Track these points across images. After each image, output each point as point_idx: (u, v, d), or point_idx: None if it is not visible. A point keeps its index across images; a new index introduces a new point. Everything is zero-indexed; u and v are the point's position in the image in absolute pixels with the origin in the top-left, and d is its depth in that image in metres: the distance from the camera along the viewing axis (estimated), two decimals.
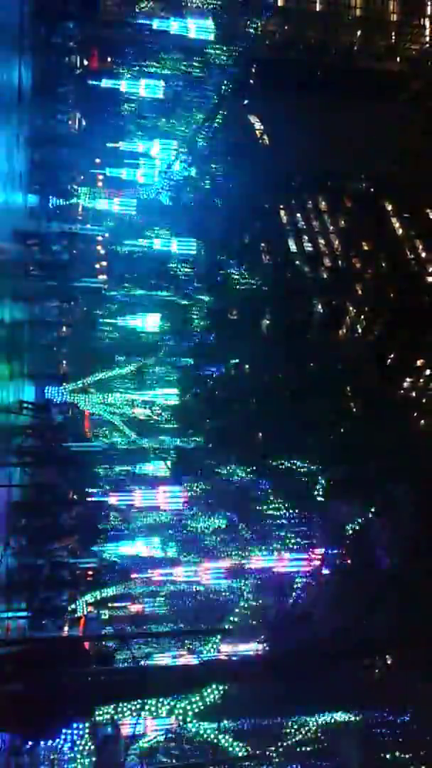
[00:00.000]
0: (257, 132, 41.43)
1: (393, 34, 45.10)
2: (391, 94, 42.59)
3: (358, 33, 44.48)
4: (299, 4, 43.65)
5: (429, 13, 45.08)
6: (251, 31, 38.91)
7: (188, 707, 18.34)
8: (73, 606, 25.31)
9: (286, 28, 43.11)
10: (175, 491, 31.14)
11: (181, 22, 36.54)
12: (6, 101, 22.76)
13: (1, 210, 21.26)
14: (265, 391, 35.79)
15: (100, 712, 14.34)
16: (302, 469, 32.85)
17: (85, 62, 36.02)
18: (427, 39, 45.21)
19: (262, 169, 38.85)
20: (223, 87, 37.76)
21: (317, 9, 44.05)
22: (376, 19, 44.56)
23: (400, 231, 43.51)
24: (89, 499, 29.30)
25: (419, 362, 41.26)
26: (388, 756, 25.30)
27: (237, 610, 27.76)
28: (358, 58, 43.91)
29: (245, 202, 38.54)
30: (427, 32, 45.21)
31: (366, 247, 42.70)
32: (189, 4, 37.97)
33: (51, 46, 32.69)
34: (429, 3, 44.99)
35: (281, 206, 42.33)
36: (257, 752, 22.28)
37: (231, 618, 27.16)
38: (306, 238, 42.24)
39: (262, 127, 41.47)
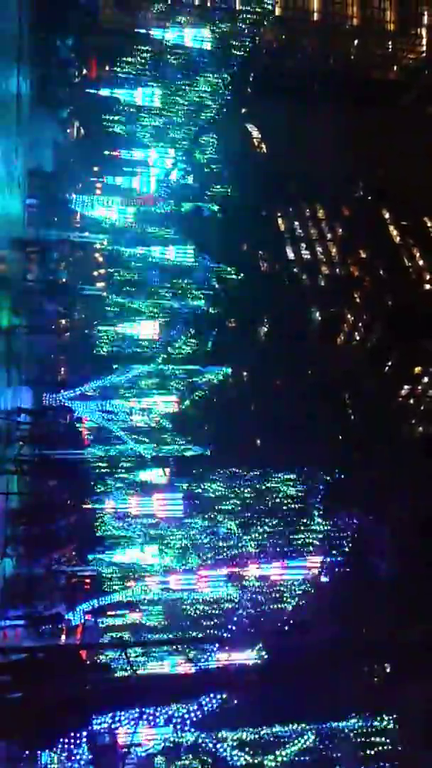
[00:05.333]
0: (255, 140, 41.57)
1: (390, 43, 45.36)
2: (389, 102, 42.81)
3: (356, 42, 44.72)
4: (297, 13, 43.89)
5: (425, 22, 45.37)
6: (249, 39, 39.08)
7: (186, 716, 18.25)
8: (70, 614, 25.22)
9: (283, 36, 43.31)
10: (173, 498, 31.10)
11: (180, 31, 36.69)
12: (5, 109, 22.85)
13: (0, 218, 21.32)
14: (263, 399, 35.80)
15: (98, 721, 14.28)
16: (300, 476, 32.84)
17: (84, 71, 36.12)
18: (424, 48, 45.47)
19: (260, 177, 38.96)
20: (221, 95, 37.90)
21: (315, 18, 44.29)
22: (374, 28, 44.81)
23: (398, 239, 43.64)
24: (87, 506, 29.23)
25: (417, 370, 41.32)
26: (386, 764, 25.19)
27: (235, 618, 27.71)
28: (356, 67, 44.14)
29: (243, 209, 38.63)
30: (424, 41, 45.48)
31: (364, 255, 42.80)
32: (187, 13, 38.15)
33: (50, 55, 32.83)
34: (425, 12, 45.29)
35: (279, 214, 42.44)
36: (255, 761, 22.18)
37: (229, 626, 27.10)
38: (304, 245, 42.33)
39: (259, 135, 41.62)
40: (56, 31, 32.84)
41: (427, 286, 43.03)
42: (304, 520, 31.73)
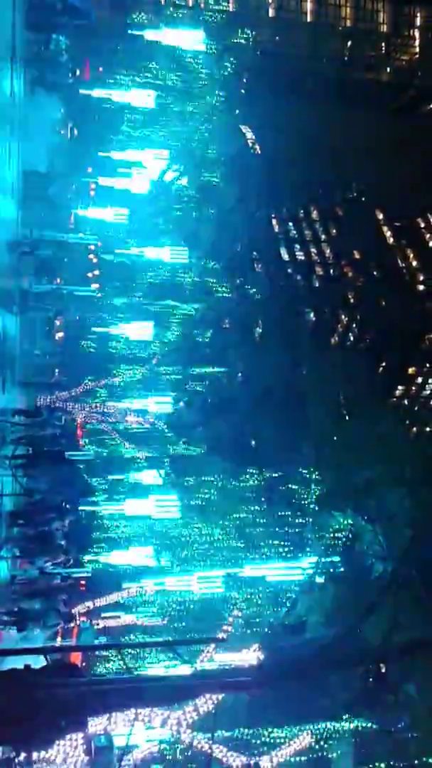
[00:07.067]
0: (249, 141, 41.62)
1: (383, 44, 45.50)
2: (382, 103, 42.93)
3: (349, 43, 44.83)
4: (290, 15, 43.97)
5: (418, 24, 45.53)
6: (242, 41, 39.15)
7: (182, 717, 18.26)
8: (66, 616, 25.15)
9: (277, 38, 43.39)
10: (169, 500, 31.10)
11: (173, 33, 36.72)
12: None
13: None
14: (258, 399, 35.84)
15: (94, 723, 14.27)
16: (295, 477, 32.88)
17: (78, 72, 36.11)
18: (417, 50, 45.63)
19: (254, 178, 39.02)
20: (215, 96, 37.94)
21: (308, 20, 44.39)
22: (366, 29, 44.94)
23: (391, 239, 43.76)
24: (82, 508, 29.19)
25: (410, 370, 41.44)
26: (382, 765, 25.23)
27: (231, 619, 27.71)
28: (349, 69, 44.24)
29: (237, 211, 38.69)
30: (417, 43, 45.65)
31: (357, 256, 42.90)
32: (181, 15, 38.19)
33: (43, 56, 32.79)
34: (418, 14, 45.45)
35: (273, 215, 42.50)
36: (251, 762, 22.18)
37: (225, 627, 27.10)
38: (298, 246, 42.40)
39: (253, 137, 41.66)
40: (50, 32, 32.82)
41: (421, 287, 43.17)
42: (300, 521, 31.78)
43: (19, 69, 27.60)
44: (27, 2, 29.49)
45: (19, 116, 27.51)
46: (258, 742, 22.74)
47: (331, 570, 30.69)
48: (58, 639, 23.31)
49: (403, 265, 43.61)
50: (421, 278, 43.28)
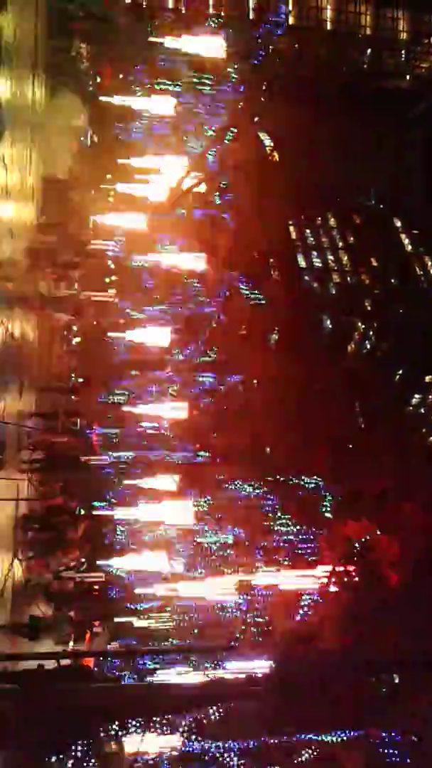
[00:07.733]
0: (267, 148, 41.69)
1: (403, 52, 45.49)
2: (401, 111, 42.91)
3: (368, 51, 44.87)
4: (310, 22, 44.08)
5: None
6: (262, 48, 39.23)
7: (193, 725, 18.20)
8: (78, 625, 25.23)
9: (296, 45, 43.51)
10: (182, 506, 31.06)
11: (193, 40, 36.86)
12: (20, 117, 23.10)
13: (15, 224, 21.52)
14: (273, 406, 35.78)
15: (104, 729, 14.26)
16: (310, 485, 32.76)
17: (98, 79, 36.36)
18: None
19: (272, 185, 39.07)
20: (234, 104, 38.04)
21: (328, 27, 44.49)
22: (386, 37, 44.96)
23: (409, 247, 43.62)
24: (96, 513, 29.25)
25: (427, 378, 41.22)
26: None
27: (243, 627, 27.64)
28: (368, 76, 44.29)
29: (255, 217, 38.71)
30: None
31: (375, 263, 42.80)
32: (201, 23, 38.34)
33: (64, 63, 33.13)
34: None
35: (290, 222, 42.50)
36: None
37: (237, 635, 27.04)
38: (315, 253, 42.37)
39: (272, 144, 41.74)
40: (71, 39, 33.13)
41: None
42: (314, 529, 31.64)
43: (41, 75, 27.91)
44: (49, 9, 29.81)
45: (40, 122, 27.81)
46: (268, 751, 22.61)
47: (345, 579, 30.52)
48: (71, 644, 23.39)
49: (421, 272, 43.45)
50: None
